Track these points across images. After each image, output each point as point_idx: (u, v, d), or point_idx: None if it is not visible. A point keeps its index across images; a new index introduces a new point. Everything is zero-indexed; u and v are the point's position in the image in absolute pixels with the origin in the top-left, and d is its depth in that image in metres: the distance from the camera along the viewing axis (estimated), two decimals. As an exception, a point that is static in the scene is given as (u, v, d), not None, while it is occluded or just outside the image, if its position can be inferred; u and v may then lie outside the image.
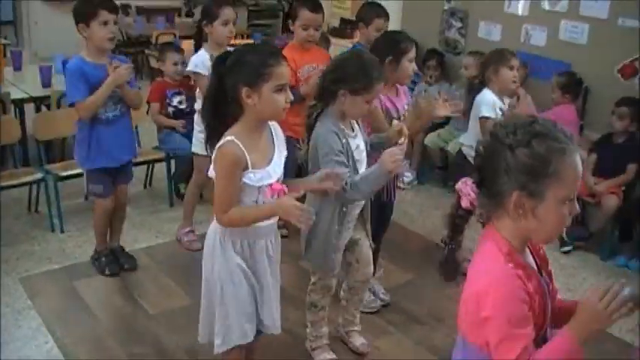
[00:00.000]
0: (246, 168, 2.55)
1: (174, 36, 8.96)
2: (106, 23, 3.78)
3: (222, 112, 2.61)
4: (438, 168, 6.24)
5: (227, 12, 4.24)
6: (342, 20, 9.97)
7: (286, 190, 2.65)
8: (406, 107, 3.72)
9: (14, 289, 4.04)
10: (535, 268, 1.84)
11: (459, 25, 6.49)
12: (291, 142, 3.49)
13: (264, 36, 9.18)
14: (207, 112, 2.66)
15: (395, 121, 3.49)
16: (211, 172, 2.62)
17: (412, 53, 3.62)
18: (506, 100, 4.32)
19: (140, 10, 10.76)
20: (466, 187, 1.83)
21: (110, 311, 3.91)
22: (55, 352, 3.50)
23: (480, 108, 4.19)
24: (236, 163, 2.53)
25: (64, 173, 4.70)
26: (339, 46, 8.82)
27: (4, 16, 9.98)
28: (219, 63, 2.60)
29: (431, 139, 6.03)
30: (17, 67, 6.23)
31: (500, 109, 4.17)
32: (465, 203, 1.83)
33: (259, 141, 2.63)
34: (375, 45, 3.75)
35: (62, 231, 4.75)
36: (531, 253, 1.87)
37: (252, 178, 2.57)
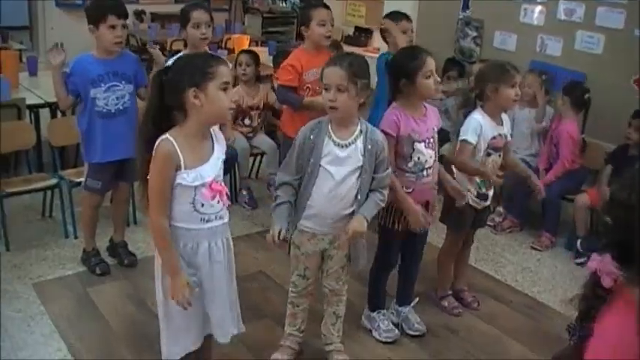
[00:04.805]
0: (179, 168, 2.59)
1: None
2: (113, 27, 3.94)
3: (164, 125, 2.63)
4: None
5: (196, 14, 4.26)
6: (357, 28, 9.98)
7: (227, 191, 2.73)
8: (435, 129, 3.58)
9: (27, 294, 4.05)
10: None
11: (475, 34, 6.48)
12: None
13: (278, 43, 9.17)
14: (149, 126, 2.66)
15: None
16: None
17: (428, 67, 3.43)
18: (505, 117, 3.95)
19: (155, 17, 10.79)
20: (606, 264, 1.56)
21: (123, 318, 3.90)
22: (67, 358, 3.50)
23: (463, 131, 3.80)
24: (168, 160, 2.57)
25: (78, 179, 4.68)
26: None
27: (19, 21, 10.01)
28: (159, 76, 2.66)
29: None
30: (33, 73, 6.26)
31: (500, 135, 3.86)
32: (608, 283, 1.57)
33: (198, 144, 2.67)
34: (389, 69, 3.68)
35: (76, 237, 4.76)
36: None
37: (185, 178, 2.60)
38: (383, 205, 3.26)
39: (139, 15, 10.72)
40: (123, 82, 4.09)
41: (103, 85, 4.03)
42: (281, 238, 3.07)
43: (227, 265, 2.88)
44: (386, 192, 3.24)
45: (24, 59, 6.71)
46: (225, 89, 2.61)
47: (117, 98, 4.08)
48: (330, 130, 3.14)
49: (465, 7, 6.54)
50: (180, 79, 2.59)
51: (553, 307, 4.36)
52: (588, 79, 5.48)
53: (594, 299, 1.62)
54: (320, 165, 3.12)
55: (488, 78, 3.81)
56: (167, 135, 2.58)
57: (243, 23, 11.54)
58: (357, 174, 3.13)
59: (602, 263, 1.57)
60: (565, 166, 5.21)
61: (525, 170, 4.19)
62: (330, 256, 3.34)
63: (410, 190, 3.52)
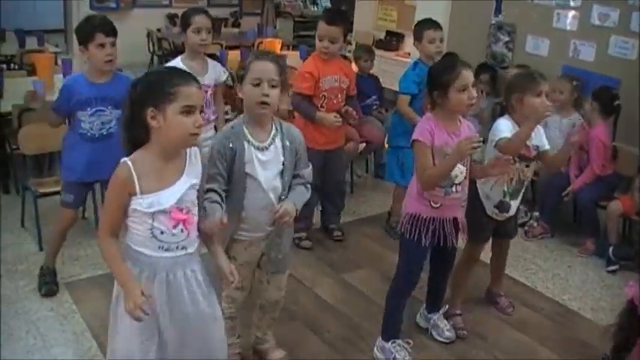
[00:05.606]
0: (134, 193, 2.43)
1: (221, 47, 9.02)
2: (102, 46, 3.81)
3: (136, 140, 2.47)
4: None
5: (198, 19, 4.29)
6: (388, 33, 9.96)
7: (190, 220, 2.54)
8: None
9: (60, 293, 4.10)
10: None
11: (507, 39, 6.44)
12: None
13: (309, 47, 9.19)
14: (123, 141, 2.50)
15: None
16: None
17: (462, 80, 3.26)
18: (539, 128, 3.79)
19: (187, 20, 10.87)
20: None
21: (152, 318, 3.94)
22: (99, 357, 3.54)
23: (496, 134, 3.64)
24: (120, 186, 2.42)
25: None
26: (385, 59, 8.86)
27: (55, 24, 10.16)
28: (132, 87, 2.46)
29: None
30: (67, 75, 6.33)
31: (527, 146, 3.70)
32: None
33: (162, 166, 2.48)
34: (426, 79, 3.53)
35: (107, 237, 4.80)
36: None
37: (141, 203, 2.44)
38: (307, 197, 3.12)
39: (172, 19, 10.83)
40: (110, 107, 3.92)
41: (89, 108, 3.90)
42: (224, 222, 2.70)
43: (195, 301, 2.62)
44: (309, 187, 3.15)
45: (59, 62, 6.80)
46: (187, 112, 2.38)
47: (102, 123, 3.95)
48: (248, 134, 2.99)
49: (498, 11, 6.51)
50: (141, 96, 2.40)
51: (584, 314, 4.31)
52: (622, 84, 5.43)
53: (630, 330, 1.55)
54: (246, 172, 2.98)
55: (514, 88, 3.70)
56: (126, 158, 2.43)
57: (275, 27, 11.59)
58: (280, 174, 3.03)
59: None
60: (595, 172, 5.14)
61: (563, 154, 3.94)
62: (271, 247, 3.18)
63: (437, 206, 3.37)
